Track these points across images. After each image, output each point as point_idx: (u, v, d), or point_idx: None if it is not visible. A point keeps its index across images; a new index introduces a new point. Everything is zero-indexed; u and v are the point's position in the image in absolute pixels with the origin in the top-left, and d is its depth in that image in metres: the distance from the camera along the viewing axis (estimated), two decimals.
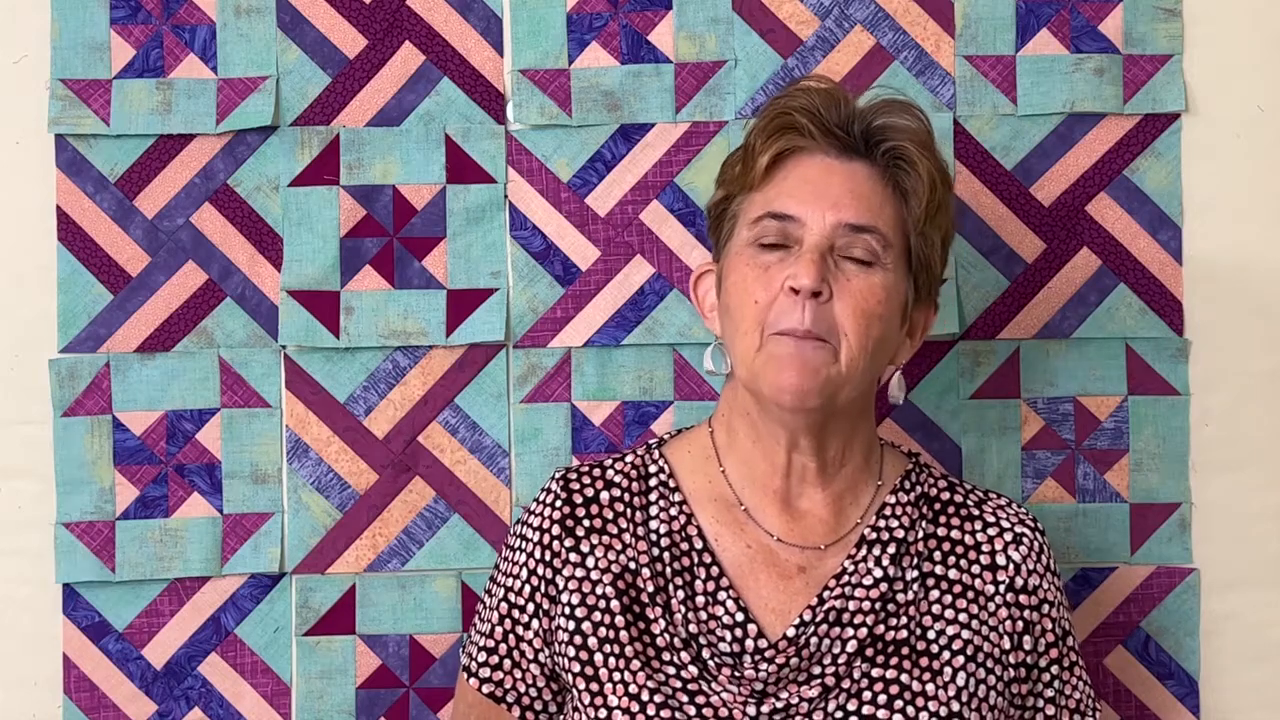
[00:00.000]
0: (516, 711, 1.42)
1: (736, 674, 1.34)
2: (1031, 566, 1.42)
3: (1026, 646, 1.40)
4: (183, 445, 1.69)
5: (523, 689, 1.42)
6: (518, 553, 1.43)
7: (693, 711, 1.32)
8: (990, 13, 1.71)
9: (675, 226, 1.70)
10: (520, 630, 1.41)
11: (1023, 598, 1.41)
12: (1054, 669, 1.42)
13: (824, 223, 1.34)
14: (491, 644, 1.42)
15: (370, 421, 1.70)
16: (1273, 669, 1.71)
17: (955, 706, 1.34)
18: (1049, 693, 1.42)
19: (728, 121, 1.70)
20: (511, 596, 1.42)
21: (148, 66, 1.70)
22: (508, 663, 1.42)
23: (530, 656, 1.41)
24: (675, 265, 1.70)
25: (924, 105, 1.69)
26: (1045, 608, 1.42)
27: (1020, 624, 1.40)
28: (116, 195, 1.70)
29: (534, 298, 1.70)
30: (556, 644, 1.39)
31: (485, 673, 1.42)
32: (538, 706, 1.42)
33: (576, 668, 1.37)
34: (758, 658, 1.34)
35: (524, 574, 1.42)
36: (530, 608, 1.41)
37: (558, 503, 1.42)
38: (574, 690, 1.37)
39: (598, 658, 1.36)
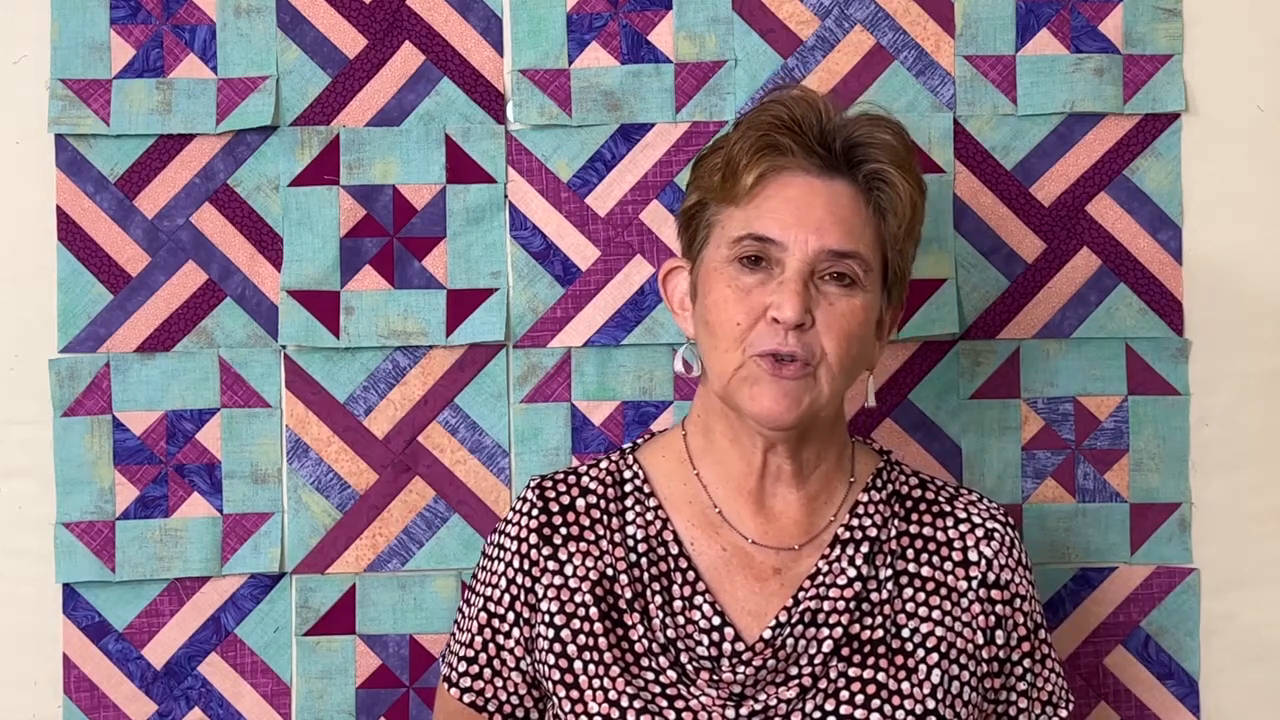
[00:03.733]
0: None
1: (715, 677, 1.35)
2: (1003, 561, 1.43)
3: (999, 641, 1.41)
4: (183, 445, 1.69)
5: (504, 698, 1.42)
6: (496, 562, 1.43)
7: (672, 716, 1.33)
8: (990, 13, 1.71)
9: (675, 226, 1.70)
10: (500, 639, 1.41)
11: (994, 593, 1.41)
12: (1026, 662, 1.43)
13: (806, 248, 1.33)
14: (471, 653, 1.43)
15: (370, 421, 1.70)
16: (1273, 669, 1.71)
17: (931, 704, 1.35)
18: (1021, 685, 1.43)
19: (728, 121, 1.70)
20: (491, 606, 1.42)
21: (148, 66, 1.70)
22: (488, 672, 1.42)
23: (511, 665, 1.41)
24: None
25: (924, 105, 1.70)
26: (1017, 602, 1.43)
27: (992, 619, 1.41)
28: (116, 195, 1.70)
29: (534, 298, 1.70)
30: (537, 652, 1.39)
31: (466, 682, 1.43)
32: (519, 715, 1.42)
33: (556, 675, 1.37)
34: (735, 660, 1.35)
35: (503, 583, 1.42)
36: (510, 616, 1.41)
37: (534, 511, 1.42)
38: (554, 698, 1.37)
39: (577, 665, 1.37)
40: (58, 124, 1.69)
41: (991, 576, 1.42)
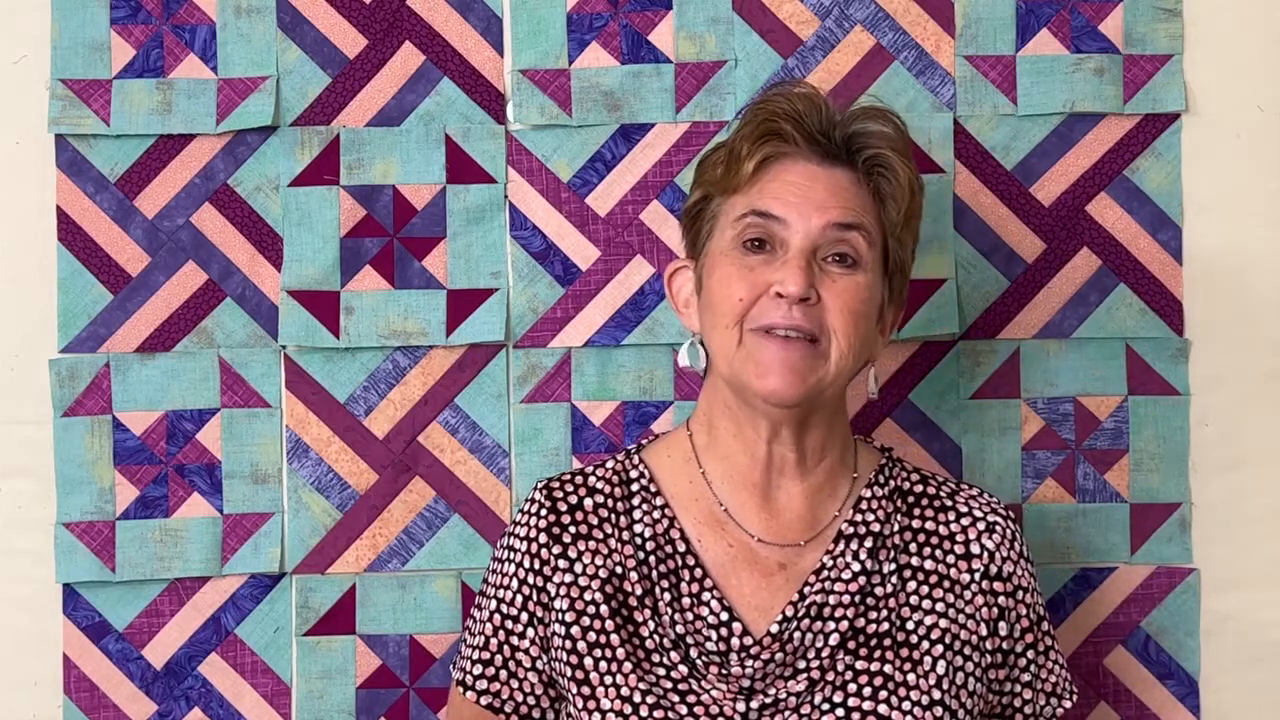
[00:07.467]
0: None
1: (724, 671, 1.36)
2: (1005, 554, 1.44)
3: (1002, 632, 1.43)
4: (183, 445, 1.69)
5: (520, 699, 1.42)
6: (507, 564, 1.44)
7: (684, 710, 1.34)
8: (990, 13, 1.71)
9: (675, 226, 1.70)
10: (515, 640, 1.42)
11: (997, 584, 1.43)
12: (1030, 654, 1.45)
13: (809, 224, 1.36)
14: (487, 656, 1.43)
15: (370, 421, 1.70)
16: (1273, 669, 1.71)
17: (936, 695, 1.36)
18: (1025, 677, 1.45)
19: (728, 121, 1.70)
20: (504, 608, 1.43)
21: (148, 66, 1.70)
22: (504, 673, 1.43)
23: (527, 665, 1.42)
24: None
25: (924, 105, 1.70)
26: (1020, 594, 1.44)
27: (995, 610, 1.43)
28: (116, 195, 1.70)
29: (534, 298, 1.70)
30: (552, 650, 1.40)
31: (482, 684, 1.43)
32: (535, 715, 1.43)
33: (568, 672, 1.38)
34: (744, 654, 1.37)
35: (515, 584, 1.43)
36: (524, 617, 1.42)
37: (543, 511, 1.43)
38: (568, 695, 1.38)
39: (588, 662, 1.37)
40: (58, 124, 1.69)
41: (994, 569, 1.43)
